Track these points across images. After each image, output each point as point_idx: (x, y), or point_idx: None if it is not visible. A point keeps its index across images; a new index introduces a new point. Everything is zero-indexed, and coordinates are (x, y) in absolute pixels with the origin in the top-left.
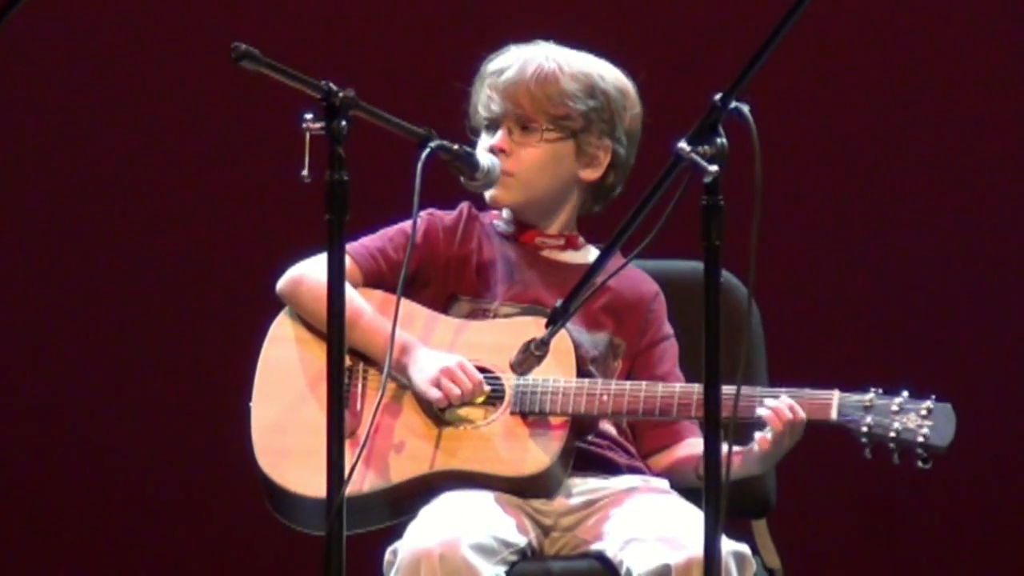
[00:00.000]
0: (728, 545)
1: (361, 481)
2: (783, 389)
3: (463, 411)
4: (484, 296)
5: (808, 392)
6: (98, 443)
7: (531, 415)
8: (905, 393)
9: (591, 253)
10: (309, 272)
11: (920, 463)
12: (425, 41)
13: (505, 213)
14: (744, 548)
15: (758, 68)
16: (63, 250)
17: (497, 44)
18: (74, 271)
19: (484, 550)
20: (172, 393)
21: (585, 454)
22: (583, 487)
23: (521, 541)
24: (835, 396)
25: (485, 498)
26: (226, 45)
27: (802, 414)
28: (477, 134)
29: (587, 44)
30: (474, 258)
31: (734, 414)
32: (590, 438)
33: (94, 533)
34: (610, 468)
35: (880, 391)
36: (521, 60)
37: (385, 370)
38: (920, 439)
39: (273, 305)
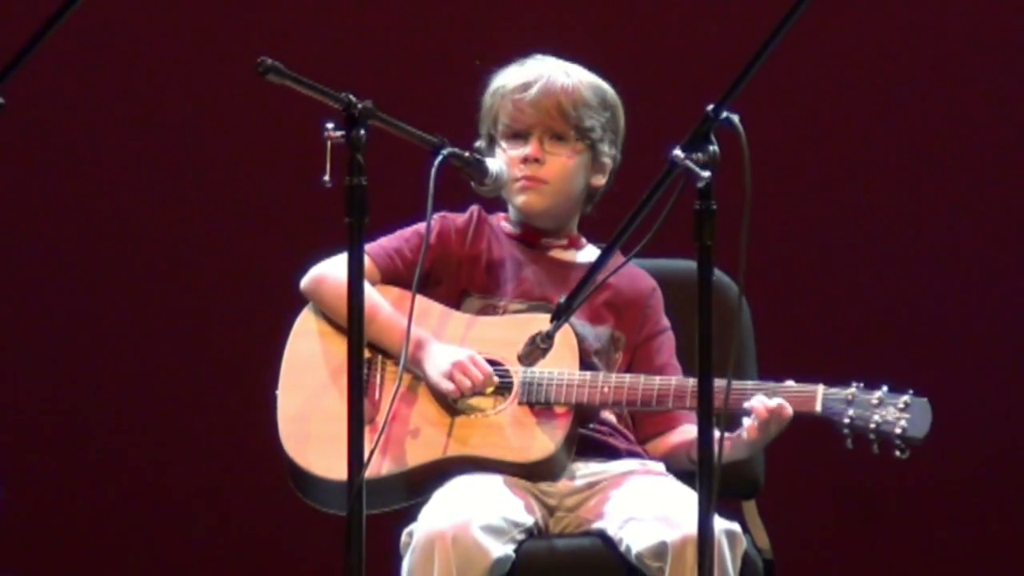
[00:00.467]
0: (720, 524)
1: (379, 465)
2: (771, 382)
3: (474, 401)
4: (494, 293)
5: (794, 386)
6: (142, 428)
7: (537, 405)
8: (885, 388)
9: (592, 252)
10: (330, 271)
11: (898, 453)
12: (435, 57)
13: (512, 215)
14: (735, 526)
15: (747, 81)
16: (109, 249)
17: (498, 59)
18: (117, 269)
19: (494, 530)
20: (207, 382)
21: (587, 440)
22: (585, 470)
23: (528, 521)
24: (819, 390)
25: (494, 481)
26: (254, 60)
27: (789, 411)
28: (491, 142)
29: (584, 58)
30: (484, 257)
31: (725, 405)
32: (592, 425)
33: (136, 509)
34: (610, 453)
35: (861, 385)
36: (544, 75)
37: (401, 363)
38: (898, 431)
39: (297, 301)
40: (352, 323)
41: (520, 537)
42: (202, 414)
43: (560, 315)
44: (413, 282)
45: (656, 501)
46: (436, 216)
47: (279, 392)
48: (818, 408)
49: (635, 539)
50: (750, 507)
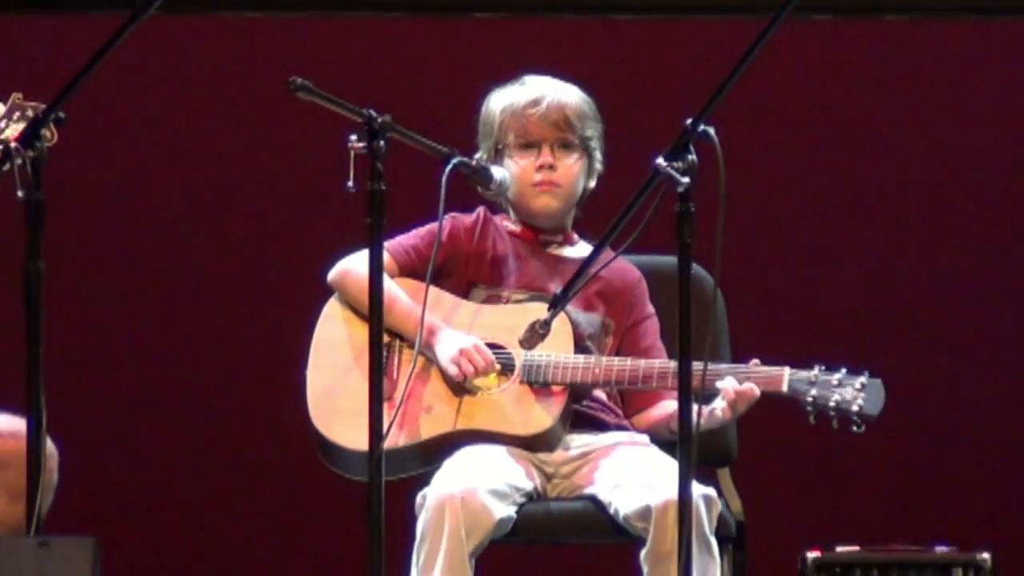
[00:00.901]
0: (698, 489)
1: (396, 437)
2: (742, 364)
3: (480, 381)
4: (498, 285)
5: (763, 368)
6: (188, 403)
7: (536, 384)
8: (844, 370)
9: (583, 248)
10: (353, 266)
11: (855, 428)
12: (443, 78)
13: (512, 215)
14: (711, 491)
15: (721, 99)
16: (166, 246)
17: (495, 79)
18: (173, 266)
19: (498, 494)
20: (247, 362)
21: (580, 415)
22: (579, 442)
23: (528, 486)
24: (785, 372)
25: (498, 452)
26: (287, 81)
27: (757, 392)
28: (495, 154)
29: (574, 78)
30: (489, 253)
31: (702, 384)
32: (584, 402)
33: (185, 470)
34: (601, 426)
35: (823, 368)
36: (549, 92)
37: (416, 347)
38: (855, 408)
39: (324, 292)
40: (373, 311)
41: (521, 500)
42: (243, 387)
43: (557, 304)
44: (427, 275)
45: (641, 469)
46: (447, 216)
47: (308, 372)
48: (784, 388)
49: (622, 502)
50: (724, 474)
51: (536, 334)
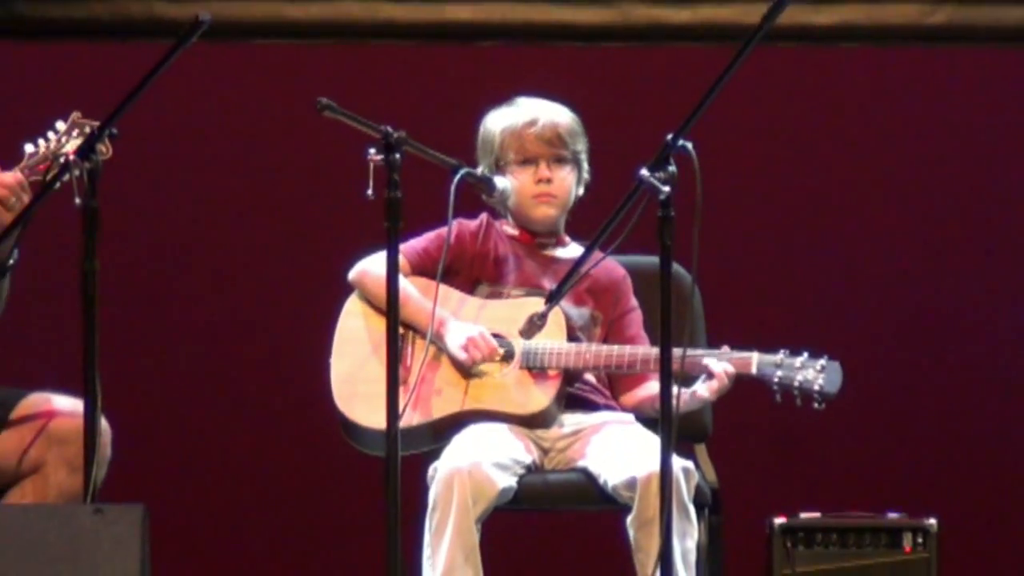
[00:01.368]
0: (678, 462)
1: (410, 417)
2: (717, 351)
3: (484, 366)
4: (500, 282)
5: (734, 353)
6: (225, 387)
7: (534, 369)
8: (806, 354)
9: (574, 249)
10: (371, 266)
11: (816, 405)
12: (452, 97)
13: (511, 220)
14: (689, 464)
15: (698, 117)
16: (206, 249)
17: (495, 99)
18: (212, 264)
19: (501, 466)
20: (277, 351)
21: (573, 396)
22: (571, 420)
23: (527, 459)
24: (754, 356)
25: (501, 429)
26: (315, 102)
27: (733, 372)
28: (496, 168)
29: (565, 99)
30: (492, 254)
31: (681, 368)
32: (577, 385)
33: (219, 454)
34: (591, 406)
35: (787, 352)
36: (543, 112)
37: (428, 337)
38: (816, 388)
39: (345, 290)
40: (390, 306)
41: (521, 472)
42: (273, 373)
43: (552, 299)
44: (437, 274)
45: (627, 444)
46: (455, 222)
47: (331, 360)
48: (753, 370)
49: (611, 474)
50: (701, 449)
51: (534, 325)
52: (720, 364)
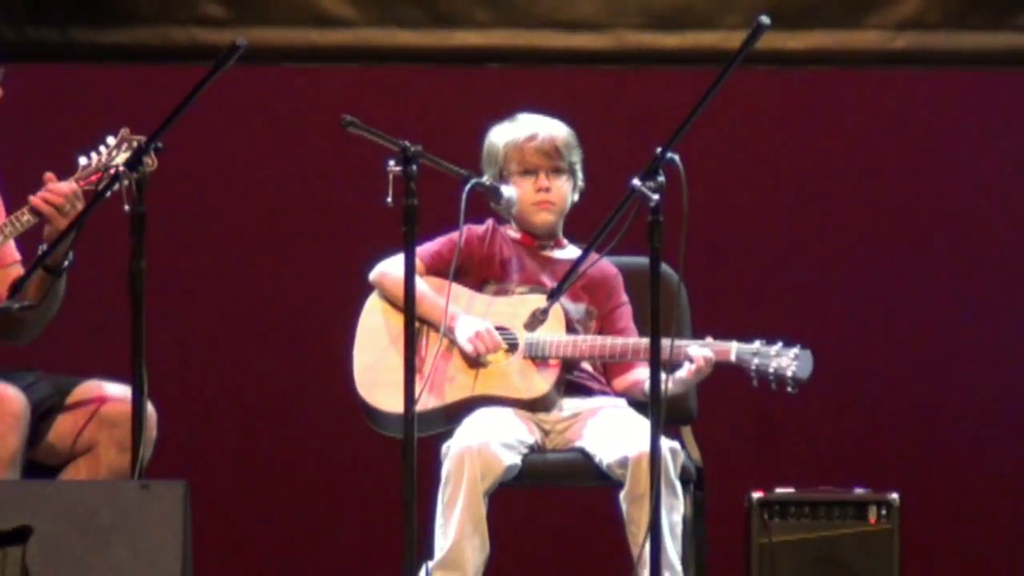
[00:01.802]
0: (666, 443)
1: (425, 402)
2: (700, 341)
3: (491, 356)
4: (505, 281)
5: (716, 343)
6: (259, 376)
7: (536, 358)
8: (780, 343)
9: (571, 250)
10: (389, 267)
11: (789, 389)
12: (461, 113)
13: (514, 225)
14: (676, 444)
15: (686, 131)
16: (243, 250)
17: (500, 116)
18: (247, 264)
19: (506, 446)
20: (305, 343)
21: (571, 383)
22: (570, 404)
23: (531, 440)
24: (733, 345)
25: (506, 412)
26: (340, 119)
27: (713, 358)
28: (500, 177)
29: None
30: (498, 256)
31: (669, 357)
32: (575, 373)
33: (253, 436)
34: (587, 392)
35: (763, 342)
36: (541, 127)
37: (441, 330)
38: (789, 374)
39: (366, 289)
40: (407, 303)
41: (524, 451)
42: (302, 363)
43: (552, 296)
44: (449, 274)
45: (620, 427)
46: (464, 227)
47: (354, 351)
48: (733, 358)
49: (605, 453)
50: (686, 431)
51: (536, 319)
52: (700, 350)
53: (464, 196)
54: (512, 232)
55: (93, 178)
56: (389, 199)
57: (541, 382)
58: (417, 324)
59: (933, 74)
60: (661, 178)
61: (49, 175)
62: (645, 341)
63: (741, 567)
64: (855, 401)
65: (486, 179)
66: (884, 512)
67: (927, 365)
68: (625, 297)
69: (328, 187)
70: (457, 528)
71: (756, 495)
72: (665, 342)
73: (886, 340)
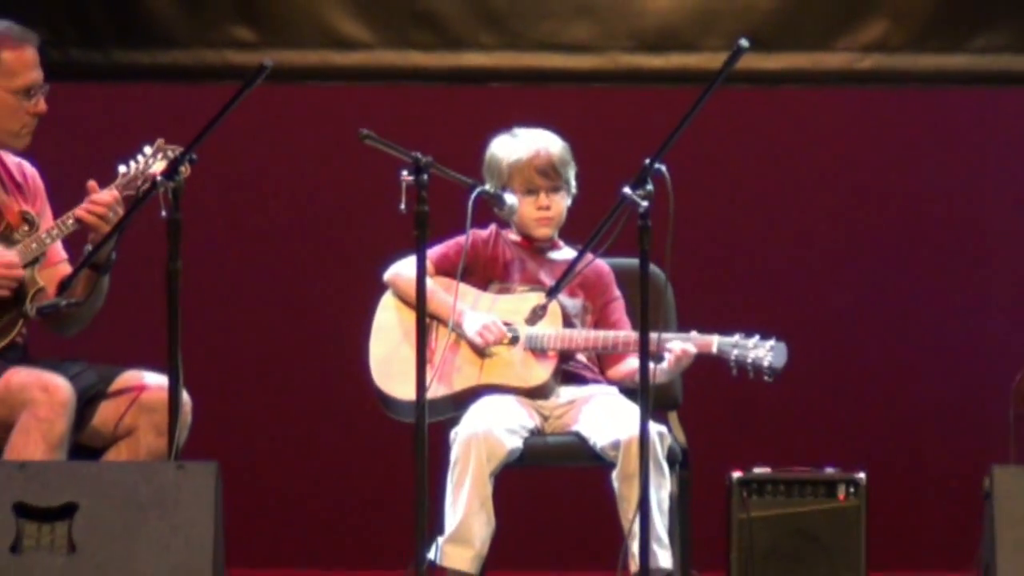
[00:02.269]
0: (654, 427)
1: (435, 390)
2: (684, 334)
3: (495, 348)
4: (507, 280)
5: (699, 336)
6: (284, 367)
7: (536, 350)
8: (757, 336)
9: (567, 252)
10: (403, 268)
11: (766, 378)
12: (468, 127)
13: (516, 227)
14: (663, 428)
15: (672, 144)
16: (270, 252)
17: (497, 130)
18: (273, 264)
19: (509, 430)
20: (326, 337)
21: (568, 373)
22: (567, 392)
23: (531, 424)
24: (715, 338)
25: (509, 399)
26: (358, 132)
27: (693, 351)
28: (502, 187)
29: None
30: (501, 258)
31: (657, 349)
32: (571, 363)
33: (279, 422)
34: (582, 381)
35: (742, 335)
36: (540, 145)
37: (449, 326)
38: (766, 364)
39: (380, 288)
40: (418, 300)
41: (525, 435)
42: (323, 356)
43: (551, 294)
44: (457, 274)
45: (612, 412)
46: (471, 231)
47: (370, 345)
48: (714, 350)
49: (599, 437)
50: (673, 416)
51: (536, 315)
52: (684, 344)
53: (470, 203)
54: (513, 236)
55: (133, 184)
56: (402, 206)
57: (540, 372)
58: (427, 320)
59: (896, 92)
60: (649, 186)
61: (92, 183)
62: (635, 334)
63: (722, 540)
64: (826, 389)
65: (489, 187)
66: (852, 490)
67: (890, 357)
68: (617, 292)
69: (346, 194)
70: (465, 505)
71: (736, 474)
72: (653, 335)
73: (854, 335)
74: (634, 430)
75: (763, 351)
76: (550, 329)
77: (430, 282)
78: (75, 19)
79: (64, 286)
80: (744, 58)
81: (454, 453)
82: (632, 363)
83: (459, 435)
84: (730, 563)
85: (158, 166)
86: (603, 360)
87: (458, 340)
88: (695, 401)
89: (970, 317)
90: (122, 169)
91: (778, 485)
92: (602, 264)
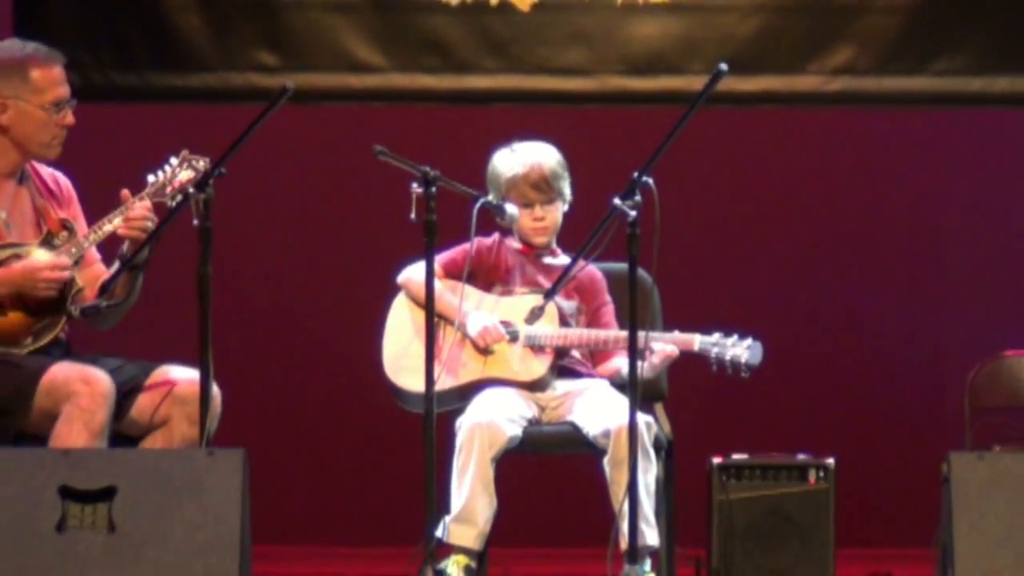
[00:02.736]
0: (642, 417)
1: (442, 382)
2: (669, 334)
3: (496, 346)
4: (509, 284)
5: (682, 335)
6: (306, 363)
7: (534, 347)
8: (735, 335)
9: (563, 257)
10: (413, 272)
11: (743, 374)
12: (471, 143)
13: (517, 235)
14: (650, 418)
15: (658, 159)
16: (292, 258)
17: (499, 146)
18: (296, 269)
19: (510, 420)
20: (343, 335)
21: (563, 368)
22: (562, 386)
23: (529, 414)
24: (696, 337)
25: (509, 392)
26: (372, 148)
27: (675, 351)
28: (503, 198)
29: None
30: (503, 264)
31: (645, 347)
32: (566, 359)
33: (300, 413)
34: (576, 375)
35: (722, 334)
36: (535, 160)
37: (456, 325)
38: (743, 361)
39: (393, 290)
40: (427, 301)
41: (524, 424)
42: (340, 352)
43: (547, 296)
44: (462, 278)
45: (604, 404)
46: (476, 239)
47: (383, 341)
48: (696, 348)
49: (591, 426)
50: (659, 407)
51: (534, 315)
52: (668, 343)
53: (474, 213)
54: (514, 243)
55: (163, 191)
56: (412, 215)
57: (538, 367)
58: (436, 319)
59: (863, 111)
60: (638, 197)
61: (125, 192)
62: (624, 333)
63: (704, 520)
64: (798, 382)
65: (492, 198)
66: (822, 474)
67: (857, 353)
68: (608, 297)
69: (361, 205)
70: (470, 488)
71: (716, 460)
72: (641, 334)
73: (824, 333)
74: (623, 420)
75: (741, 349)
76: (547, 328)
77: (439, 284)
78: (116, 45)
79: (104, 288)
80: (724, 81)
81: (459, 440)
82: (621, 360)
83: (464, 424)
84: (711, 540)
85: (184, 175)
86: (595, 357)
87: (464, 338)
88: (679, 393)
89: (930, 317)
90: (151, 178)
91: (755, 470)
92: (595, 270)
